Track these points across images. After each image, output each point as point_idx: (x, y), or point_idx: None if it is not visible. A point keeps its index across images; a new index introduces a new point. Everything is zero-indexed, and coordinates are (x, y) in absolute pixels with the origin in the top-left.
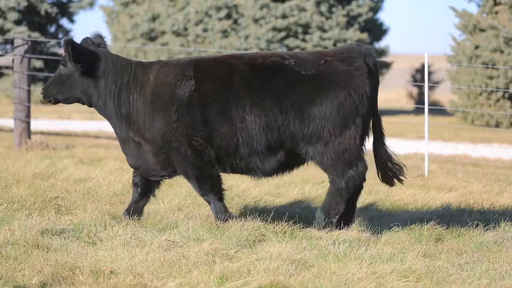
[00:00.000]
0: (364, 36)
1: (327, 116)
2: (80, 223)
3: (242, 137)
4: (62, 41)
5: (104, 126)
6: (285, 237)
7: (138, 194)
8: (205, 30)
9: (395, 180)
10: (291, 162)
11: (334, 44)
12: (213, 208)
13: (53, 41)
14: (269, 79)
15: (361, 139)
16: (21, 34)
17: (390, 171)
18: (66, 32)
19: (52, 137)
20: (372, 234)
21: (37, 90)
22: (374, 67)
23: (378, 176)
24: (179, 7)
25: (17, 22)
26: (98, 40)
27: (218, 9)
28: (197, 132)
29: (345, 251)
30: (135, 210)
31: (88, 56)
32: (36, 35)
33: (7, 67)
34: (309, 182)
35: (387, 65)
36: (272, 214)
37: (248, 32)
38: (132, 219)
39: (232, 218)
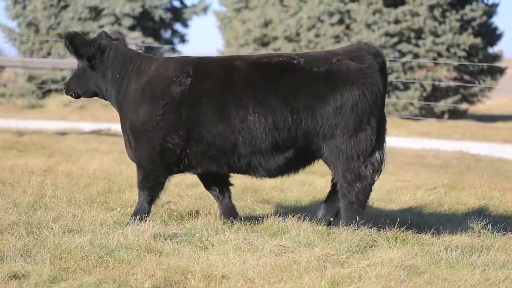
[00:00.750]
0: (478, 41)
1: (341, 114)
2: (192, 227)
3: (242, 137)
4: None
5: None
6: (396, 243)
7: (218, 194)
8: (317, 36)
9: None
10: (299, 161)
11: (447, 49)
12: (138, 204)
13: (166, 47)
14: (275, 78)
15: (376, 141)
16: (135, 39)
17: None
18: (181, 37)
19: None
20: (485, 240)
21: None
22: (383, 66)
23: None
24: (291, 13)
25: (132, 28)
26: (115, 35)
27: (331, 14)
28: (178, 131)
29: (457, 257)
30: (227, 209)
31: (93, 48)
32: (150, 41)
33: None
34: (421, 188)
35: (501, 70)
36: (383, 219)
37: (360, 37)
38: (231, 219)
39: (144, 221)
